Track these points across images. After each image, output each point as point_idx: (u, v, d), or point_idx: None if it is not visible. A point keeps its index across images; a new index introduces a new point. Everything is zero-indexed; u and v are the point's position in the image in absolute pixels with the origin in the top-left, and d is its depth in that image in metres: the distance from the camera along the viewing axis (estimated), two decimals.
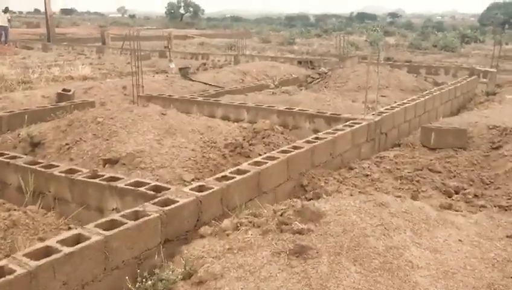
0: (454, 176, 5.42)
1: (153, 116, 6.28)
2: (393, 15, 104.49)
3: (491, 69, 12.89)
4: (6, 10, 25.01)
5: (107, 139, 5.67)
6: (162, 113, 6.44)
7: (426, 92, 9.45)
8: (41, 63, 16.35)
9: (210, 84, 11.96)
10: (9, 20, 24.14)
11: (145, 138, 5.70)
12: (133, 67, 9.46)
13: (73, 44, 22.09)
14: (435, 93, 9.12)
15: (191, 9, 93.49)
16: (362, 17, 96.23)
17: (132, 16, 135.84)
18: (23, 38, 27.22)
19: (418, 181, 5.20)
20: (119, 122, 5.97)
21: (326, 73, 12.72)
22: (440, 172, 5.46)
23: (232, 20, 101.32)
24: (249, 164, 4.84)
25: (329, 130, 6.23)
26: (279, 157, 5.04)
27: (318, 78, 12.61)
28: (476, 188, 5.17)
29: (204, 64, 15.57)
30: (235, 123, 7.11)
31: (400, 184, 5.17)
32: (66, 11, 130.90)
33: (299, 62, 16.13)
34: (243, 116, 8.08)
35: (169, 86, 11.13)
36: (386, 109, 7.62)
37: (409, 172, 5.47)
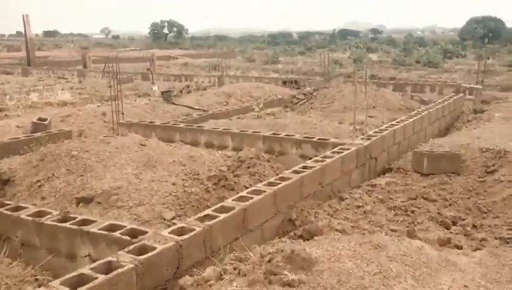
0: (450, 205, 5.14)
1: (132, 148, 5.94)
2: (374, 31, 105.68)
3: (477, 86, 12.80)
4: None
5: (82, 175, 5.30)
6: (142, 144, 6.10)
7: (414, 112, 9.25)
8: (19, 88, 15.93)
9: (193, 108, 11.66)
10: None
11: (122, 172, 5.34)
12: (113, 92, 9.14)
13: (54, 68, 21.67)
14: (423, 113, 8.91)
15: (175, 29, 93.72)
16: (344, 33, 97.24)
17: (116, 37, 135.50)
18: (2, 62, 26.72)
19: (413, 212, 4.91)
20: (95, 156, 5.61)
21: (311, 93, 12.50)
22: (435, 200, 5.17)
23: (216, 39, 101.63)
24: (233, 200, 4.51)
25: (318, 158, 5.94)
26: (265, 191, 4.72)
27: (304, 99, 12.38)
28: (473, 217, 4.90)
29: (188, 86, 15.28)
30: (219, 152, 6.79)
31: (394, 215, 4.87)
32: (48, 33, 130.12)
33: (284, 82, 15.93)
34: (227, 142, 7.77)
35: (152, 111, 10.79)
36: (374, 132, 7.37)
37: (402, 201, 5.18)
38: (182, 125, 8.32)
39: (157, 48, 62.83)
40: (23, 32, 23.71)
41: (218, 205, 4.38)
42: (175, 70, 26.36)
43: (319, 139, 7.13)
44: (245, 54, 44.65)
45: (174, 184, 5.30)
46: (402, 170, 6.33)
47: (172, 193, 5.10)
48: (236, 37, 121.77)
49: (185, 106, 11.68)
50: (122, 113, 8.94)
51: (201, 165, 5.99)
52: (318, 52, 44.45)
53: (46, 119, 8.40)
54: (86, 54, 22.86)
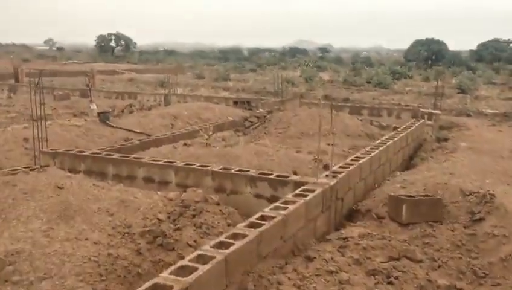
0: (440, 266, 4.22)
1: (45, 192, 4.67)
2: (323, 50, 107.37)
3: (435, 111, 12.27)
4: None
5: None
6: (58, 187, 4.84)
7: (378, 141, 8.43)
8: None
9: (134, 132, 10.40)
10: None
11: (27, 229, 4.08)
12: (35, 112, 7.77)
13: None
14: (388, 143, 8.10)
15: (122, 42, 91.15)
16: (294, 51, 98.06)
17: (60, 49, 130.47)
18: None
19: (397, 278, 3.95)
20: None
21: (265, 116, 11.54)
22: (421, 261, 4.24)
23: (165, 54, 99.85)
24: (171, 273, 3.37)
25: (278, 204, 4.89)
26: (214, 257, 3.61)
27: (257, 122, 11.39)
28: (467, 283, 3.99)
29: (131, 105, 13.98)
30: (159, 193, 5.61)
31: (375, 285, 3.88)
32: None
33: (235, 102, 14.93)
34: (170, 178, 6.60)
35: (85, 136, 9.45)
36: (340, 167, 6.42)
37: (382, 262, 4.21)
38: (116, 156, 7.06)
39: (103, 62, 60.53)
40: None
41: (149, 284, 3.21)
42: (119, 86, 24.82)
43: (277, 176, 6.09)
44: (195, 70, 43.54)
45: (96, 243, 4.09)
46: (375, 216, 5.39)
47: (93, 258, 3.89)
48: (186, 52, 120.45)
49: (124, 129, 10.39)
50: (46, 140, 7.56)
51: (134, 213, 4.80)
52: (269, 69, 44.06)
53: None
54: (18, 67, 20.95)
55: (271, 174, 6.16)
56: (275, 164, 7.40)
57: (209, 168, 6.44)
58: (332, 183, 5.72)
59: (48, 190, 4.71)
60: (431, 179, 6.27)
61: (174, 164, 6.67)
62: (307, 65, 44.16)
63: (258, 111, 12.87)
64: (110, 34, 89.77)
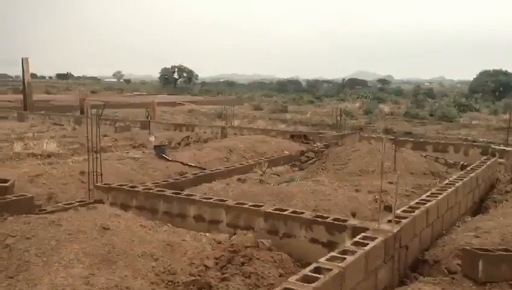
0: None
1: (90, 233, 4.47)
2: (382, 81, 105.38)
3: (508, 148, 11.31)
4: None
5: (11, 277, 3.82)
6: (104, 227, 4.63)
7: (446, 181, 7.73)
8: (6, 135, 14.71)
9: (189, 165, 10.26)
10: None
11: (68, 274, 3.86)
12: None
13: (50, 113, 20.59)
14: (457, 184, 7.40)
15: (185, 74, 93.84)
16: (353, 83, 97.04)
17: (128, 81, 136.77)
18: (0, 106, 25.79)
19: None
20: (37, 246, 4.15)
21: (323, 151, 11.08)
22: None
23: (225, 85, 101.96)
24: None
25: (335, 253, 4.42)
26: None
27: (314, 157, 10.95)
28: None
29: (188, 138, 13.98)
30: (207, 235, 5.30)
31: None
32: (61, 76, 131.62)
33: (292, 136, 14.58)
34: (221, 217, 6.29)
35: (141, 169, 9.40)
36: (403, 211, 5.86)
37: None
38: (168, 192, 6.86)
39: (166, 93, 62.54)
40: (22, 75, 22.82)
41: None
42: (179, 117, 25.24)
43: (334, 219, 5.62)
44: (253, 101, 43.86)
45: None
46: (445, 271, 4.77)
47: None
48: (245, 83, 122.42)
49: (179, 162, 10.28)
50: (101, 174, 7.53)
51: (180, 258, 4.50)
52: (327, 101, 43.62)
53: (7, 181, 7.00)
54: (84, 98, 21.82)
55: (328, 218, 5.69)
56: (332, 205, 6.92)
57: (261, 208, 6.07)
58: (395, 230, 5.17)
59: (93, 231, 4.52)
60: (508, 227, 5.56)
61: (226, 202, 6.36)
62: (366, 97, 43.31)
63: (315, 145, 12.45)
64: (173, 67, 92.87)
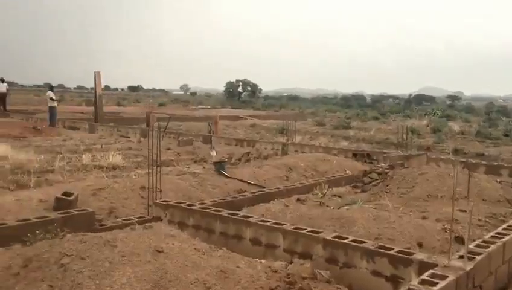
0: None
1: (143, 256, 4.38)
2: (452, 98, 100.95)
3: None
4: (3, 80, 29.35)
5: None
6: (158, 250, 4.53)
7: None
8: (77, 146, 15.32)
9: (248, 183, 10.11)
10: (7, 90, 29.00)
11: None
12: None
13: (119, 125, 21.33)
14: None
15: (249, 88, 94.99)
16: (420, 99, 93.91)
17: (194, 94, 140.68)
18: (73, 117, 27.08)
19: None
20: (91, 268, 4.10)
21: (387, 172, 10.57)
22: None
23: (288, 100, 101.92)
24: None
25: None
26: None
27: (377, 179, 10.47)
28: None
29: (248, 154, 13.88)
30: (263, 261, 5.06)
31: None
32: (132, 88, 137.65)
33: (355, 154, 14.10)
34: (278, 241, 6.05)
35: (200, 185, 9.36)
36: (477, 246, 5.34)
37: None
38: (224, 212, 6.72)
39: (230, 106, 63.42)
40: (94, 88, 23.89)
41: None
42: (241, 131, 25.37)
43: (399, 251, 5.21)
44: (316, 116, 43.40)
45: None
46: None
47: None
48: (308, 97, 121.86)
49: (238, 179, 10.16)
50: (160, 191, 7.54)
51: (234, 286, 4.30)
52: (392, 117, 42.31)
53: (71, 194, 7.16)
54: (150, 111, 22.43)
55: (392, 249, 5.29)
56: (396, 233, 6.48)
57: (320, 235, 5.76)
58: (468, 267, 4.70)
59: (147, 254, 4.43)
60: None
61: (283, 226, 6.11)
62: (434, 114, 41.57)
63: (379, 165, 11.92)
64: (238, 81, 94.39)
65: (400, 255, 5.15)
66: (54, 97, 22.24)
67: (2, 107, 29.13)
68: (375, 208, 7.81)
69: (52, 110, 21.82)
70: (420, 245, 6.29)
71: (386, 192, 9.51)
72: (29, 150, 13.34)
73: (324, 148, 15.30)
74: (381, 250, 5.29)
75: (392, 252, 5.23)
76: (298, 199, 8.83)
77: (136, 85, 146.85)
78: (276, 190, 9.36)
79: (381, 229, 6.51)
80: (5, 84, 29.54)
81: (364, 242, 5.52)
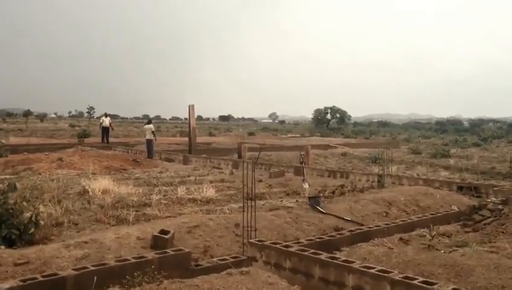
0: None
1: None
2: None
3: None
4: (106, 115, 32.03)
5: None
6: None
7: None
8: (172, 178, 15.69)
9: (345, 219, 9.57)
10: (110, 124, 31.69)
11: None
12: (249, 190, 7.63)
13: (211, 156, 21.72)
14: None
15: (338, 115, 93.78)
16: None
17: (282, 122, 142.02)
18: (169, 149, 28.11)
19: None
20: None
21: (501, 209, 9.48)
22: None
23: (378, 126, 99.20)
24: None
25: None
26: None
27: (489, 217, 9.41)
28: None
29: (342, 186, 13.28)
30: None
31: None
32: (223, 118, 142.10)
33: (460, 187, 12.96)
34: None
35: (294, 222, 9.00)
36: None
37: None
38: (324, 256, 6.26)
39: (318, 134, 62.89)
40: (189, 120, 24.67)
41: None
42: (332, 161, 24.73)
43: None
44: (409, 143, 41.49)
45: None
46: None
47: None
48: (399, 123, 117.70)
49: (334, 215, 9.65)
50: (255, 230, 7.28)
51: None
52: (495, 143, 39.28)
53: (168, 232, 7.12)
54: (242, 143, 22.61)
55: None
56: None
57: (435, 287, 5.10)
58: None
59: None
60: None
61: (390, 275, 5.52)
62: None
63: (489, 200, 10.78)
64: (326, 108, 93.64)
65: None
66: (154, 131, 23.25)
67: (105, 140, 31.18)
68: (492, 253, 6.91)
69: (150, 142, 22.83)
70: None
71: (502, 232, 8.46)
72: (129, 183, 13.82)
73: (424, 179, 14.31)
74: None
75: None
76: (401, 239, 8.11)
77: (227, 114, 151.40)
78: (376, 227, 8.72)
79: (505, 281, 5.67)
80: (108, 118, 31.79)
81: None
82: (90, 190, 11.87)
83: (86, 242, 6.74)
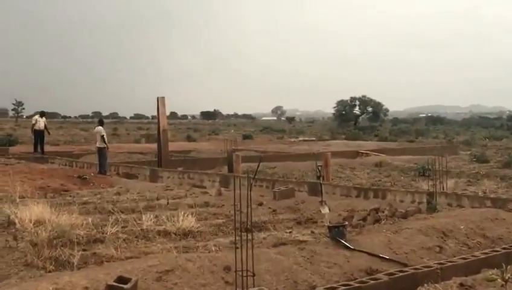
0: None
1: None
2: None
3: None
4: (42, 114, 32.44)
5: None
6: None
7: None
8: (135, 202, 15.75)
9: (381, 257, 9.64)
10: (46, 128, 32.07)
11: None
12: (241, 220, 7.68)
13: (190, 170, 21.84)
14: None
15: (370, 108, 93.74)
16: None
17: (290, 120, 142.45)
18: (130, 160, 28.20)
19: None
20: None
21: None
22: None
23: (428, 123, 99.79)
24: None
25: None
26: None
27: None
28: None
29: (377, 210, 13.36)
30: None
31: None
32: (206, 115, 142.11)
33: None
34: None
35: (309, 263, 9.05)
36: None
37: None
38: None
39: (342, 136, 63.20)
40: (157, 119, 24.60)
41: None
42: (362, 174, 24.84)
43: None
44: (471, 148, 41.72)
45: None
46: None
47: None
48: (457, 119, 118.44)
49: (366, 252, 9.72)
50: (253, 275, 7.32)
51: None
52: None
53: (129, 280, 7.15)
54: (233, 151, 22.64)
55: None
56: None
57: None
58: None
59: None
60: None
61: None
62: None
63: None
64: (353, 99, 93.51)
65: None
66: (105, 136, 23.33)
67: (40, 149, 31.25)
68: None
69: (101, 151, 22.89)
70: None
71: None
72: (73, 209, 13.85)
73: (493, 199, 14.45)
74: None
75: None
76: (461, 285, 8.20)
77: (212, 110, 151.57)
78: (426, 269, 8.86)
79: None
80: (44, 118, 31.73)
81: None
82: (17, 221, 11.90)
83: None
